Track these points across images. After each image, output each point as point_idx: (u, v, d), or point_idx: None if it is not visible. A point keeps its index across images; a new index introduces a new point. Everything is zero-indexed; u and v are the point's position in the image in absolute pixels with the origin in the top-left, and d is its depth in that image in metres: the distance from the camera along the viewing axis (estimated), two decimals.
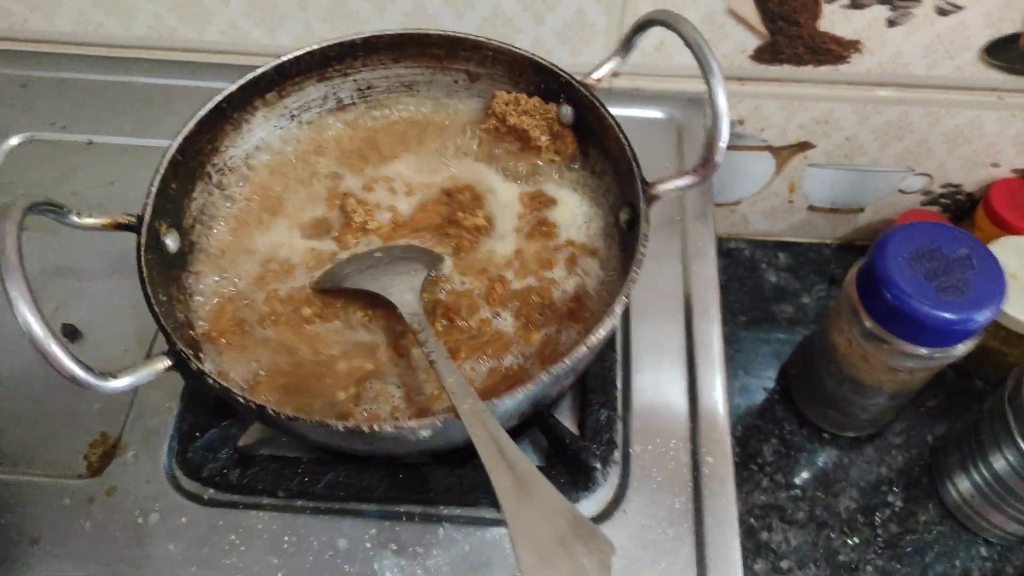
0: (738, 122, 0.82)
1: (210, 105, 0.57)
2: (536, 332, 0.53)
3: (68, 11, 0.77)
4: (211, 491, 0.57)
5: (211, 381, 0.45)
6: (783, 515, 0.78)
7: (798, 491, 0.79)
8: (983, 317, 0.62)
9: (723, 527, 0.54)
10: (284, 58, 0.59)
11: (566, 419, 0.59)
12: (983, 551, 0.75)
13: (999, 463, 0.70)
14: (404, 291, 0.52)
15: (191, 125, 0.56)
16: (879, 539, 0.76)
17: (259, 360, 0.53)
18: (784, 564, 0.75)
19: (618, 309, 0.47)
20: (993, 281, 0.63)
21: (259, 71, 0.59)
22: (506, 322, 0.54)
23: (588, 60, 0.76)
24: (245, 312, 0.55)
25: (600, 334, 0.45)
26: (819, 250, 0.97)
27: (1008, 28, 0.70)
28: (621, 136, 0.54)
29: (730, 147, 0.84)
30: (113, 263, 0.68)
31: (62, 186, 0.74)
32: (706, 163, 0.50)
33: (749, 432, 0.83)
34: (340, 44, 0.61)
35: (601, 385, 0.59)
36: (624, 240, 0.56)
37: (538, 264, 0.57)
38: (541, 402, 0.50)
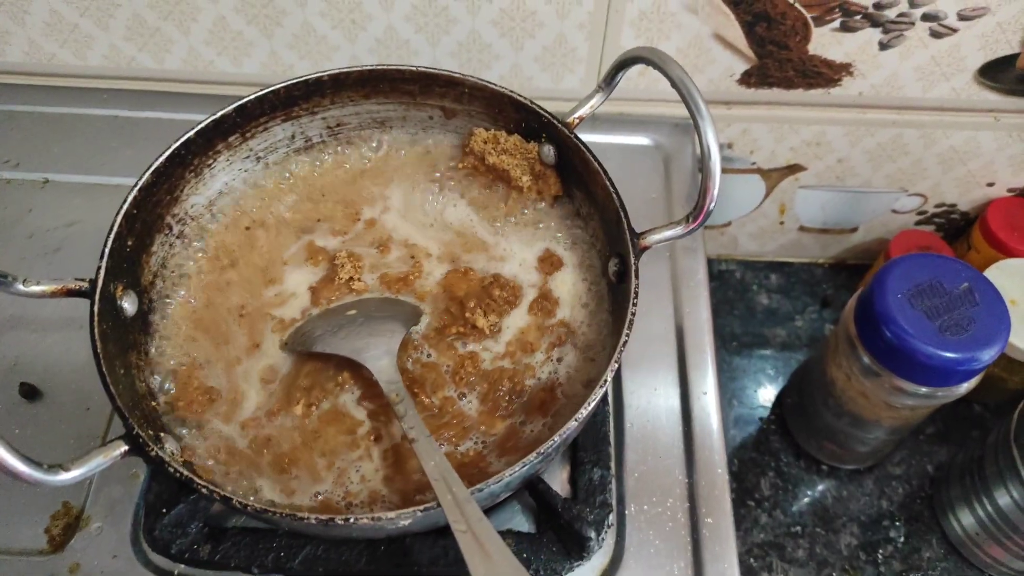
0: (727, 145, 0.79)
1: (167, 153, 0.53)
2: (501, 421, 0.49)
3: (19, 41, 0.73)
4: (181, 567, 0.53)
5: (171, 470, 0.41)
6: (783, 553, 0.75)
7: (798, 528, 0.77)
8: (988, 356, 0.60)
9: None
10: (246, 99, 0.55)
11: (557, 476, 0.56)
12: None
13: (1003, 499, 0.68)
14: (379, 356, 0.48)
15: (146, 176, 0.52)
16: None
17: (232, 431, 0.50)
18: None
19: (609, 376, 0.43)
20: (997, 317, 0.61)
21: (219, 113, 0.55)
22: (471, 405, 0.50)
23: (571, 87, 0.73)
24: (214, 380, 0.51)
25: (590, 407, 0.42)
26: (810, 270, 0.95)
27: (1004, 49, 0.67)
28: (608, 183, 0.51)
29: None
30: (71, 313, 0.64)
31: (17, 228, 0.70)
32: (698, 212, 0.47)
33: (745, 465, 0.81)
34: (306, 82, 0.57)
35: (593, 442, 0.55)
36: (613, 291, 0.53)
37: (519, 346, 0.53)
38: (531, 478, 0.47)
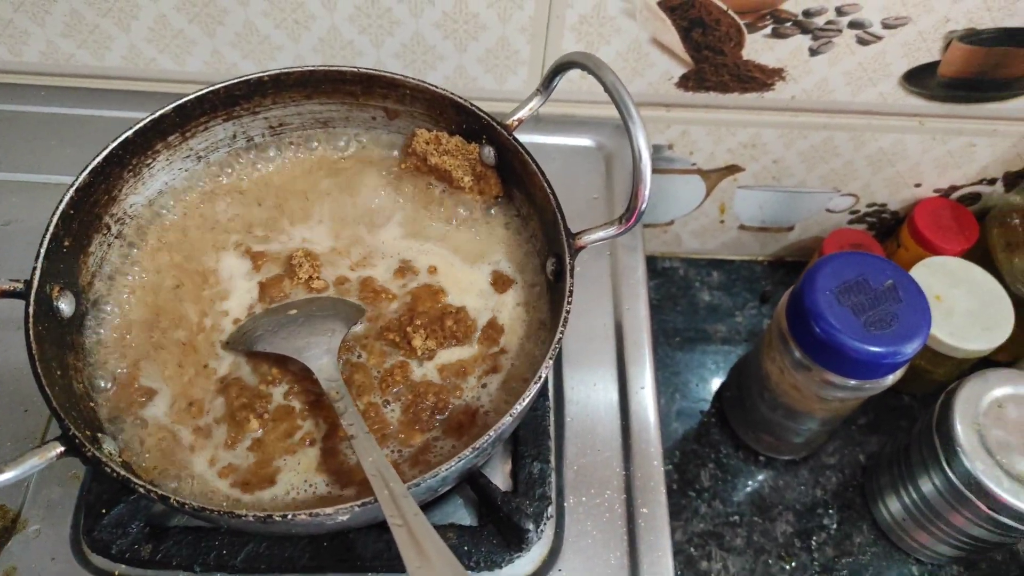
0: (668, 146, 0.81)
1: (104, 152, 0.52)
2: (419, 434, 0.50)
3: None
4: (122, 567, 0.53)
5: (108, 470, 0.41)
6: (721, 542, 0.78)
7: (736, 517, 0.79)
8: (910, 349, 0.63)
9: None
10: (186, 98, 0.55)
11: (498, 470, 0.57)
12: (915, 571, 0.76)
13: (927, 486, 0.71)
14: (320, 355, 0.49)
15: (83, 176, 0.51)
16: (815, 563, 0.77)
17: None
18: None
19: (544, 372, 0.45)
20: (919, 313, 0.64)
21: (158, 113, 0.55)
22: (393, 414, 0.51)
23: (514, 88, 0.74)
24: (153, 380, 0.51)
25: (524, 402, 0.44)
26: (751, 267, 0.98)
27: (926, 57, 0.70)
28: (545, 184, 0.52)
29: (661, 170, 0.84)
30: (8, 314, 0.63)
31: None
32: (631, 213, 0.49)
33: (687, 457, 0.83)
34: (247, 82, 0.57)
35: (534, 436, 0.57)
36: (551, 290, 0.54)
37: (453, 371, 0.53)
38: (469, 472, 0.48)
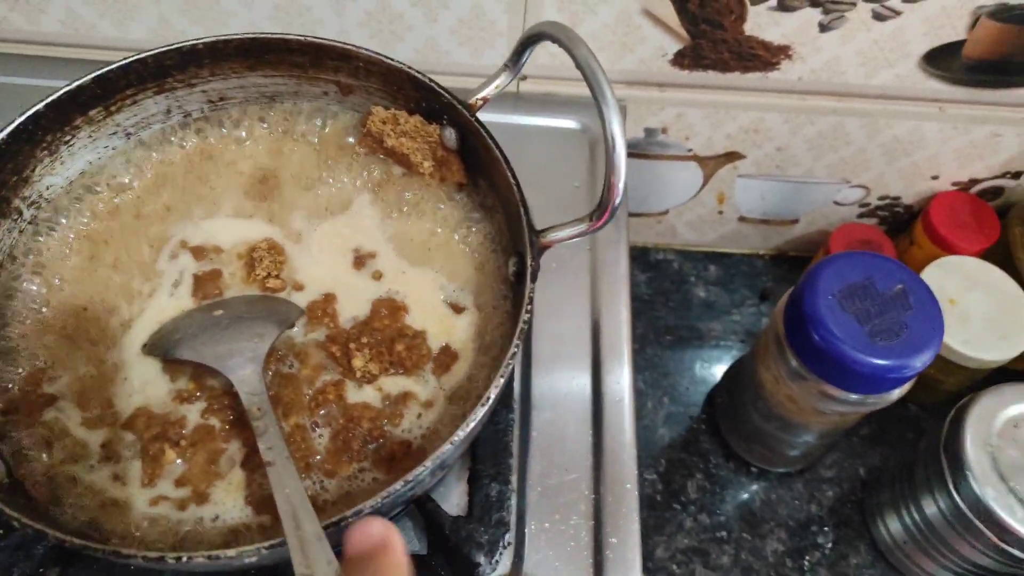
0: (661, 130, 0.74)
1: (10, 128, 0.46)
2: (346, 465, 0.44)
3: None
4: None
5: None
6: (707, 560, 0.72)
7: (723, 533, 0.73)
8: (919, 363, 0.57)
9: None
10: (107, 68, 0.49)
11: (453, 490, 0.51)
12: None
13: (931, 509, 0.65)
14: (243, 364, 0.43)
15: None
16: None
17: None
18: None
19: (493, 393, 0.39)
20: (931, 323, 0.58)
21: (75, 84, 0.48)
22: (321, 440, 0.44)
23: (491, 63, 0.67)
24: (59, 386, 0.45)
25: (468, 428, 0.38)
26: (751, 261, 0.91)
27: (950, 35, 0.63)
28: (509, 173, 0.45)
29: (654, 156, 0.77)
30: None
31: None
32: (603, 210, 0.42)
33: (673, 466, 0.77)
34: (179, 51, 0.51)
35: (492, 453, 0.51)
36: (513, 291, 0.48)
37: (396, 399, 0.46)
38: (407, 503, 0.42)
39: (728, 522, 0.74)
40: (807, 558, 0.72)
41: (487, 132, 0.48)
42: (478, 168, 0.52)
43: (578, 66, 0.42)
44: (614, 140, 0.40)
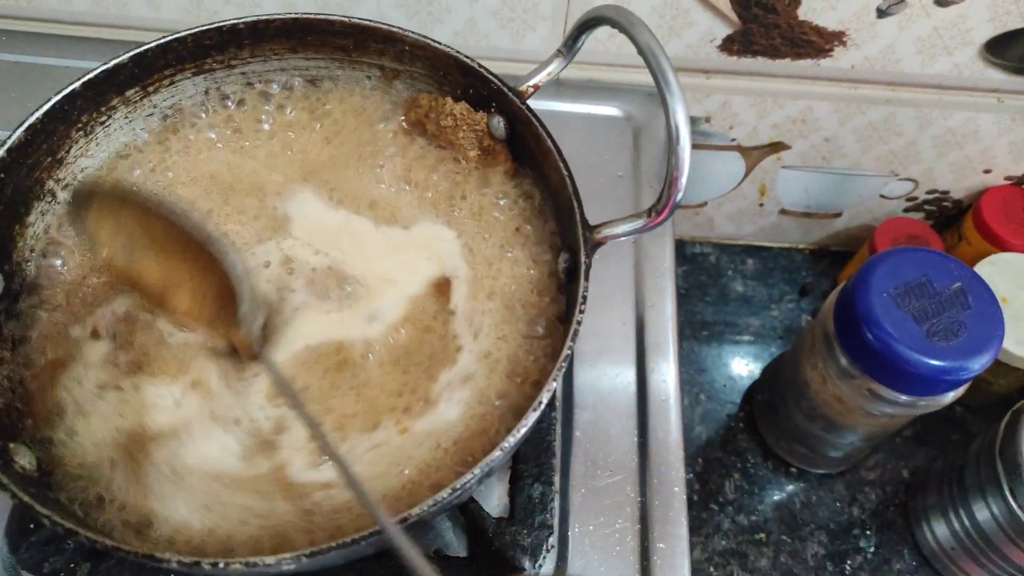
0: (704, 119, 0.71)
1: (45, 107, 0.45)
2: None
3: None
4: None
5: (9, 493, 0.34)
6: (745, 562, 0.70)
7: (762, 535, 0.72)
8: (978, 365, 0.54)
9: None
10: (144, 47, 0.47)
11: (494, 490, 0.50)
12: None
13: (982, 513, 0.63)
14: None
15: (18, 134, 0.44)
16: None
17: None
18: None
19: (545, 397, 0.37)
20: (990, 323, 0.55)
21: (112, 63, 0.47)
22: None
23: (534, 47, 0.65)
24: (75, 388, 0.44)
25: (519, 434, 0.36)
26: (790, 255, 0.89)
27: (1016, 22, 0.60)
28: (562, 165, 0.43)
29: (696, 146, 0.74)
30: None
31: None
32: (664, 205, 0.40)
33: (710, 465, 0.75)
34: (219, 30, 0.49)
35: (535, 453, 0.49)
36: (562, 288, 0.46)
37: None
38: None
39: (767, 524, 0.72)
40: (848, 562, 0.70)
41: (539, 122, 0.46)
42: (526, 159, 0.50)
43: (640, 52, 0.40)
44: (678, 132, 0.38)
